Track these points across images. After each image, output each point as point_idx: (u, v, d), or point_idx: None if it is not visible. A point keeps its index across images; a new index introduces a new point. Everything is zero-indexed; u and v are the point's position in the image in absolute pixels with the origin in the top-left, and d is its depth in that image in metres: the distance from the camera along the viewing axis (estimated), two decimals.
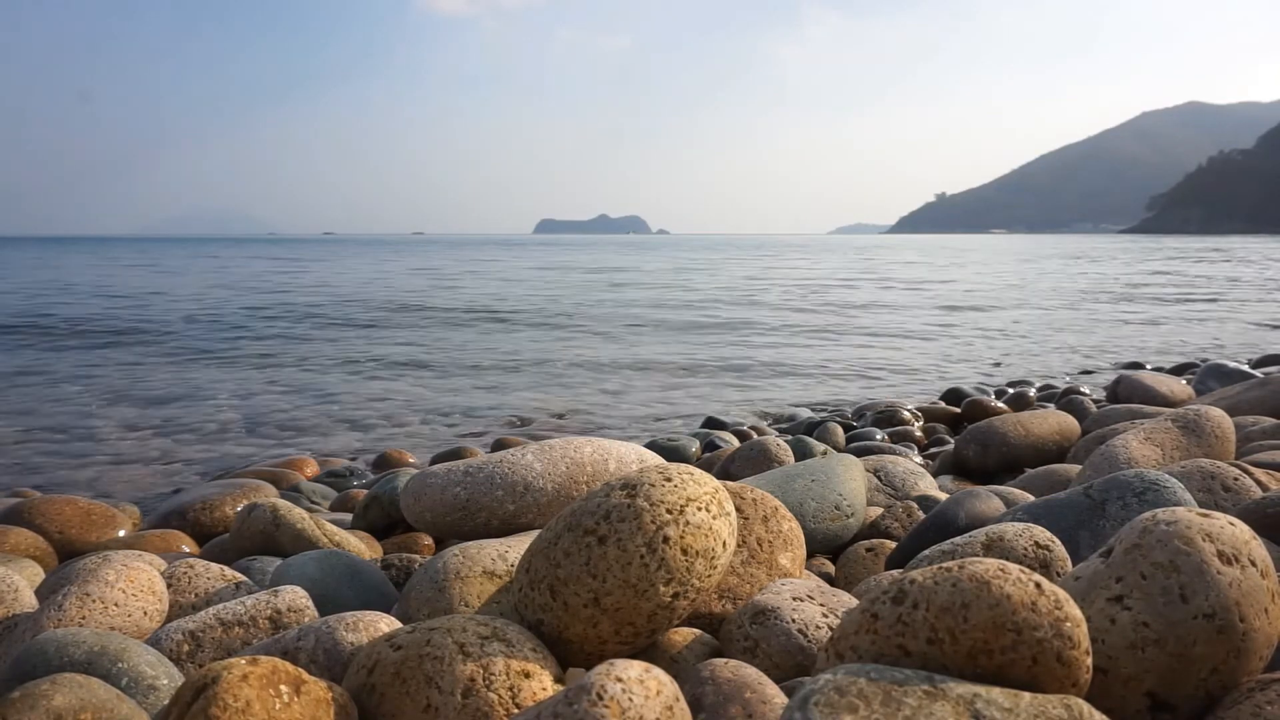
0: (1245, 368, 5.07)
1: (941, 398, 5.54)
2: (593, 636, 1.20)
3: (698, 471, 1.30)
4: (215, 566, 1.83)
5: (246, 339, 9.26)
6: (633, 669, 0.94)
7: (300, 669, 1.08)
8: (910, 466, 2.68)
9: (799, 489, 2.13)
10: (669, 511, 1.21)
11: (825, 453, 3.22)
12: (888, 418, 4.71)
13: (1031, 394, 5.43)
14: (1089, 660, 0.95)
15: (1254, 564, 1.06)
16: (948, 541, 1.49)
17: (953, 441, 3.94)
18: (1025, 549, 1.39)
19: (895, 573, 1.56)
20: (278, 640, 1.34)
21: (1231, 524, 1.09)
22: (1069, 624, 0.93)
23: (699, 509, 1.23)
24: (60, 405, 5.66)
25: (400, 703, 1.11)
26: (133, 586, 1.60)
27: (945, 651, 0.93)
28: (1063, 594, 0.95)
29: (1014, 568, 0.97)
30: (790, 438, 3.51)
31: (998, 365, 7.25)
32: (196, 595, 1.74)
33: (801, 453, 3.22)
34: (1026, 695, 0.89)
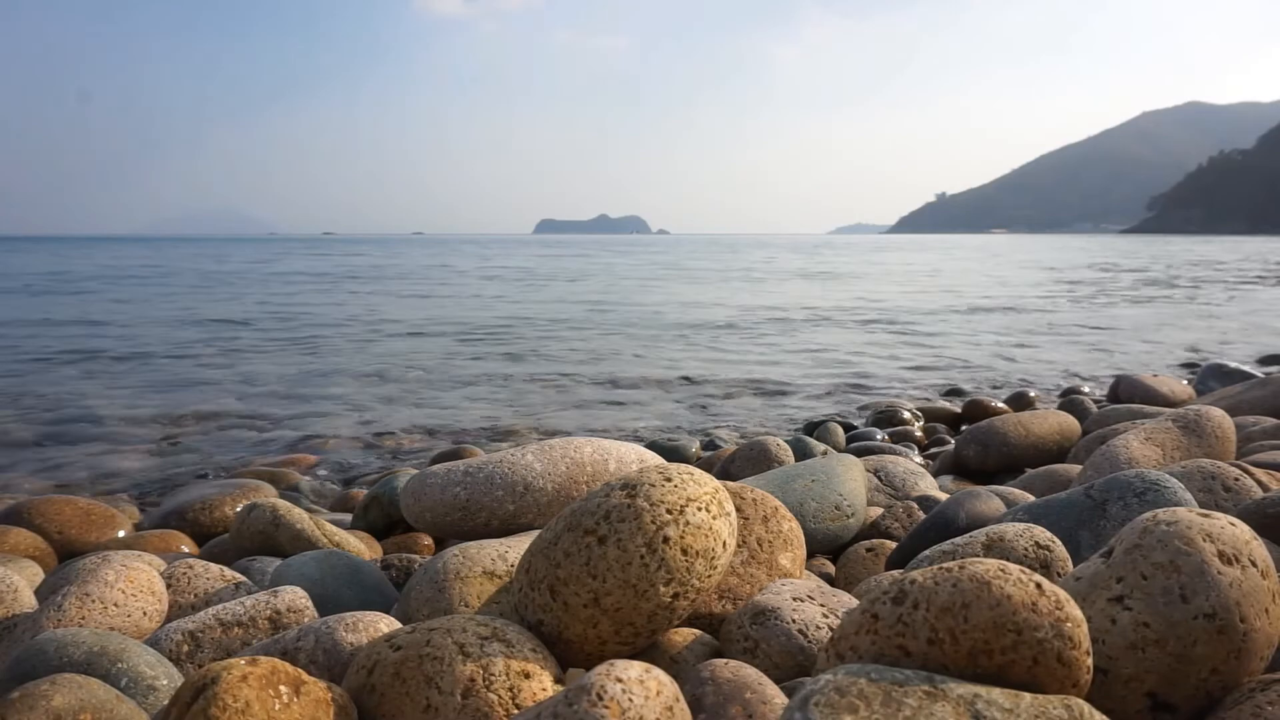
0: (1246, 367, 5.07)
1: (942, 397, 5.54)
2: (593, 637, 1.20)
3: (698, 472, 1.30)
4: (215, 567, 1.83)
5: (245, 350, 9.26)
6: (633, 669, 0.94)
7: (300, 669, 1.08)
8: (910, 466, 2.68)
9: (799, 489, 2.13)
10: (669, 512, 1.21)
11: (825, 453, 3.22)
12: (888, 418, 4.70)
13: (1032, 394, 5.43)
14: (1089, 660, 0.95)
15: (1254, 564, 1.05)
16: (948, 542, 1.49)
17: (953, 441, 3.94)
18: (1026, 549, 1.39)
19: (895, 573, 1.56)
20: (277, 640, 1.34)
21: (1232, 524, 1.09)
22: (1069, 624, 0.93)
23: (699, 509, 1.23)
24: (59, 405, 5.66)
25: (400, 703, 1.11)
26: (132, 587, 1.60)
27: (946, 652, 0.93)
28: (1063, 594, 0.95)
29: (1014, 568, 0.97)
30: (790, 438, 3.51)
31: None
32: (196, 595, 1.74)
33: (801, 453, 3.22)
34: (1027, 696, 0.89)
